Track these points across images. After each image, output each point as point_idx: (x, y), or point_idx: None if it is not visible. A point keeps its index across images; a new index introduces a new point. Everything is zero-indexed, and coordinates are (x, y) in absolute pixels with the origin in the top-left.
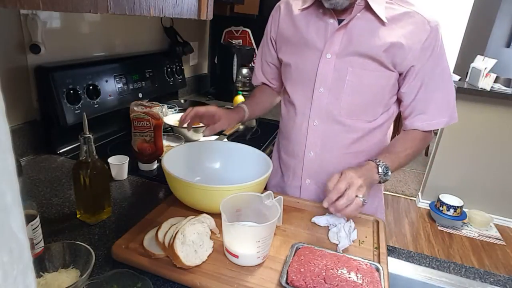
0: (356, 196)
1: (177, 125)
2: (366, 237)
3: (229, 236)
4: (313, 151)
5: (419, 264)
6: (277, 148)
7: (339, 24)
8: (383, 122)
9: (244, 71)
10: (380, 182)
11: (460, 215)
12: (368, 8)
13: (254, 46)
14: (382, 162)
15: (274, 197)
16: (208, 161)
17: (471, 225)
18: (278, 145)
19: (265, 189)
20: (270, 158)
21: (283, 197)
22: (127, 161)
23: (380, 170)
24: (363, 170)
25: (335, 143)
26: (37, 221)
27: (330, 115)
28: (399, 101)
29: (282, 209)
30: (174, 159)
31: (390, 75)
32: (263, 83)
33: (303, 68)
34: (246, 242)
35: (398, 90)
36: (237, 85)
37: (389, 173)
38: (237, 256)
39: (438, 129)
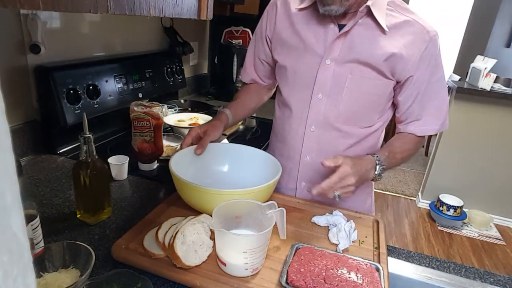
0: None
1: (177, 125)
2: (366, 237)
3: (218, 242)
4: (309, 156)
5: (419, 264)
6: (271, 149)
7: (339, 28)
8: (378, 127)
9: None
10: (371, 181)
11: (460, 215)
12: (369, 14)
13: None
14: (382, 163)
15: (278, 207)
16: (216, 163)
17: (471, 225)
18: (272, 147)
19: None
20: None
21: (282, 197)
22: (127, 161)
23: (378, 170)
24: (362, 167)
25: (330, 148)
26: (37, 221)
27: (327, 121)
28: (393, 106)
29: (285, 221)
30: (181, 161)
31: (388, 83)
32: (253, 81)
33: (300, 72)
34: (232, 251)
35: (394, 96)
36: (237, 85)
37: (383, 174)
38: (224, 264)
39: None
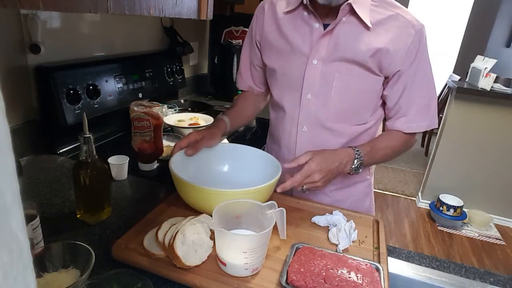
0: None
1: (177, 125)
2: (366, 237)
3: (218, 242)
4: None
5: (419, 264)
6: (267, 151)
7: (324, 28)
8: (372, 125)
9: None
10: (348, 174)
11: (460, 215)
12: (352, 12)
13: None
14: (361, 157)
15: (278, 207)
16: (216, 163)
17: (471, 225)
18: (268, 149)
19: None
20: None
21: (282, 197)
22: (127, 161)
23: (355, 163)
24: (334, 161)
25: (323, 147)
26: (37, 221)
27: (318, 121)
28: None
29: (285, 221)
30: (181, 161)
31: (376, 79)
32: (250, 88)
33: (289, 74)
34: (232, 250)
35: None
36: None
37: (361, 169)
38: (224, 264)
39: (421, 132)
